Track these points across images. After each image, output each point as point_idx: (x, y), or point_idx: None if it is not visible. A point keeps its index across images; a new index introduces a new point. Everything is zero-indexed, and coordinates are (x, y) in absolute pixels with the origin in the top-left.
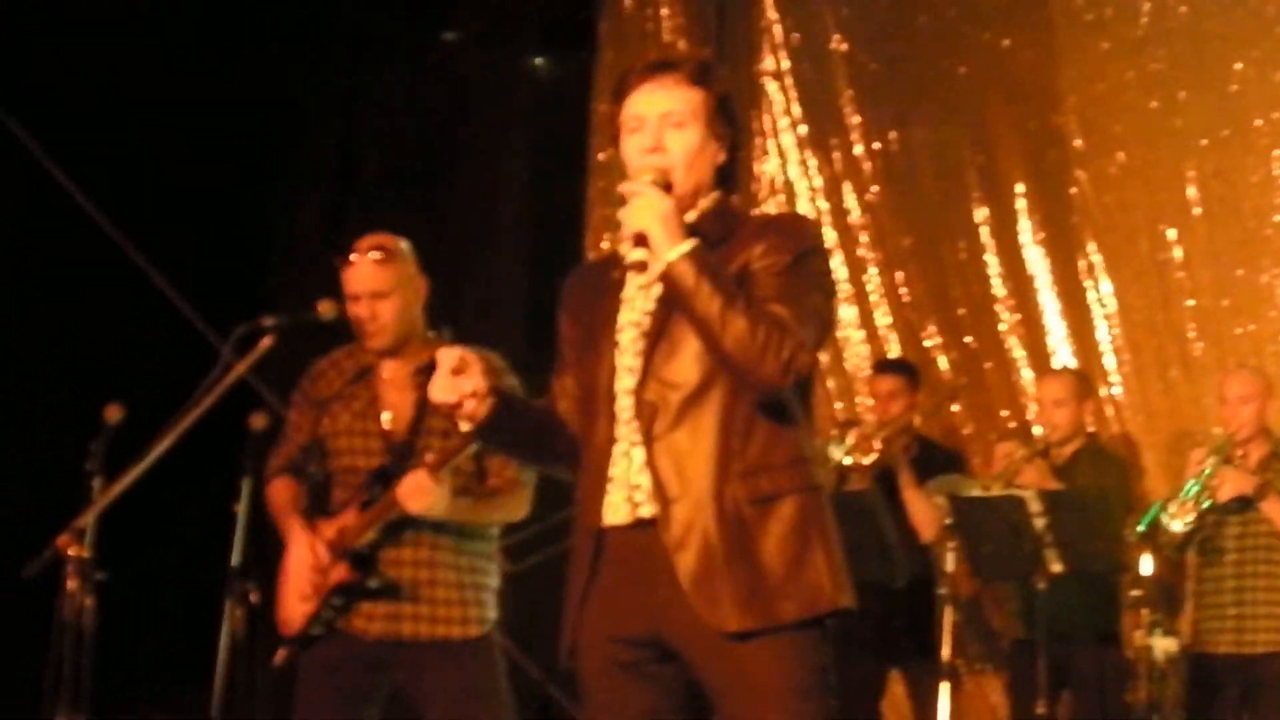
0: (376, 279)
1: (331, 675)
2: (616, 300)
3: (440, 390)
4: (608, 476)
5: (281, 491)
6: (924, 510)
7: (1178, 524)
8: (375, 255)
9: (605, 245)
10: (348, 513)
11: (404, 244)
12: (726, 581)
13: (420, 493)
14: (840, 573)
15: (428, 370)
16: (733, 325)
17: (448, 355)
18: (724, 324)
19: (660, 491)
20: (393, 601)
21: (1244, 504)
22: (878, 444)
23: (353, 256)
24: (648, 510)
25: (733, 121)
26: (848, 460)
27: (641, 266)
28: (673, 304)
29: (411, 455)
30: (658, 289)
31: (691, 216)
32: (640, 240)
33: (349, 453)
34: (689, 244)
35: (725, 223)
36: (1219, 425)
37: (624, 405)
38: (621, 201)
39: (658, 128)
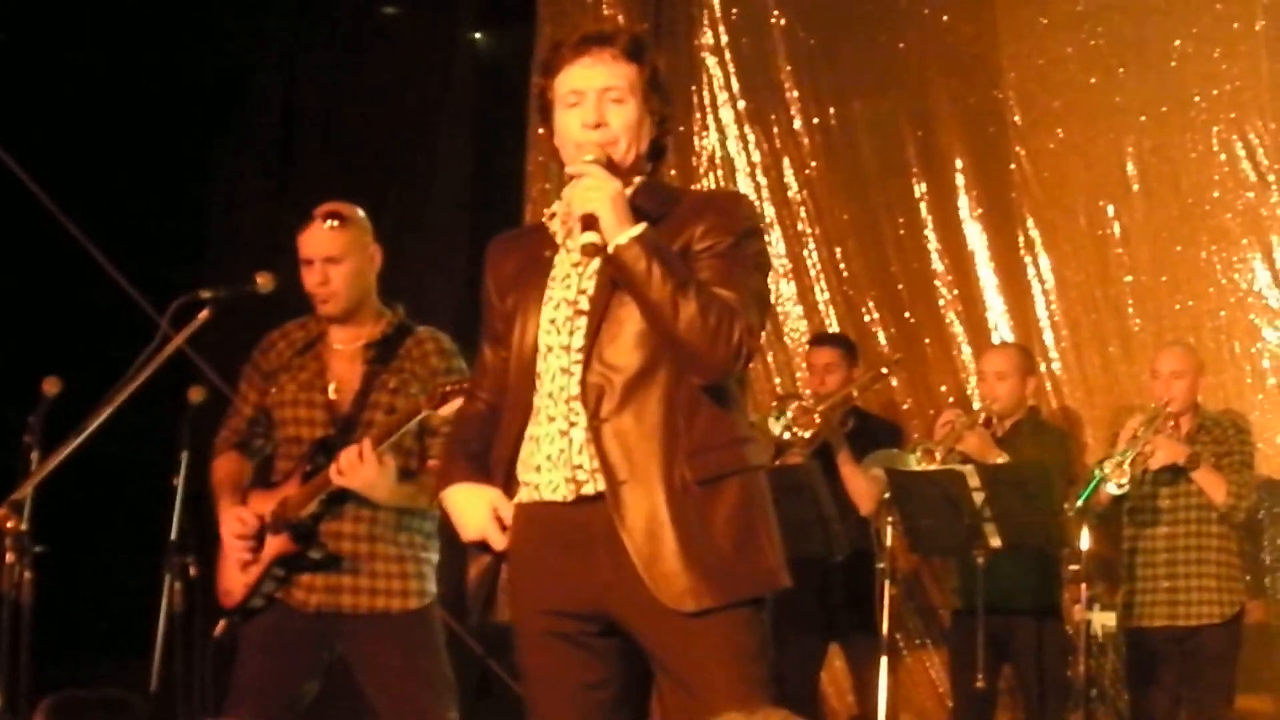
0: (330, 243)
1: (271, 647)
2: (545, 277)
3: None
4: (545, 455)
5: (223, 466)
6: (861, 484)
7: (1112, 485)
8: (331, 221)
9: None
10: (289, 483)
11: (360, 212)
12: (680, 563)
13: (355, 469)
14: (781, 551)
15: (378, 345)
16: (685, 310)
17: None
18: (676, 309)
19: (609, 474)
20: (332, 573)
21: (1174, 475)
22: (817, 417)
23: (309, 221)
24: (591, 488)
25: (664, 96)
26: (787, 434)
27: (594, 250)
28: (616, 285)
29: (355, 428)
30: (593, 267)
31: (627, 193)
32: (589, 223)
33: (294, 423)
34: (639, 228)
35: (660, 199)
36: (1151, 399)
37: (560, 385)
38: (565, 181)
39: (597, 102)
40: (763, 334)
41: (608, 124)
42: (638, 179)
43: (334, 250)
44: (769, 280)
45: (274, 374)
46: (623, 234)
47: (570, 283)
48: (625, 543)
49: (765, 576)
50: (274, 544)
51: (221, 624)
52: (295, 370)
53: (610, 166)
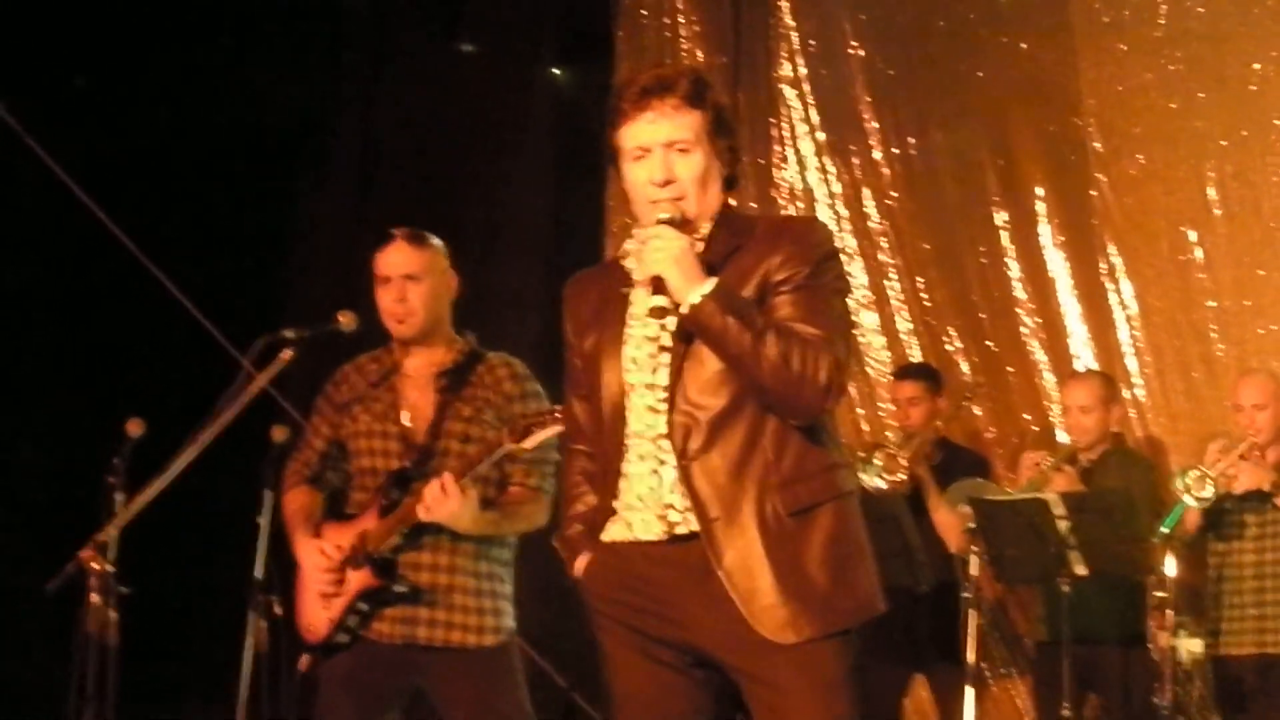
0: (410, 261)
1: (352, 682)
2: (624, 315)
3: None
4: (636, 494)
5: (295, 500)
6: (949, 521)
7: (1189, 498)
8: (411, 239)
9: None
10: (367, 516)
11: (436, 239)
12: (778, 596)
13: (440, 503)
14: (876, 577)
15: (450, 373)
16: (767, 358)
17: None
18: (758, 358)
19: (701, 512)
20: (410, 605)
21: (1261, 501)
22: (904, 460)
23: (389, 240)
24: (684, 528)
25: (730, 131)
26: (880, 483)
27: (663, 313)
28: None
29: (431, 457)
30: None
31: (705, 230)
32: (658, 285)
33: (369, 454)
34: (710, 284)
35: (736, 230)
36: (1235, 430)
37: (648, 423)
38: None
39: (664, 158)
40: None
41: (676, 178)
42: (712, 217)
43: (414, 268)
44: (849, 304)
45: (347, 406)
46: (694, 292)
47: (650, 320)
48: (722, 580)
49: (862, 606)
50: (356, 579)
51: (305, 659)
52: (369, 401)
53: (685, 221)
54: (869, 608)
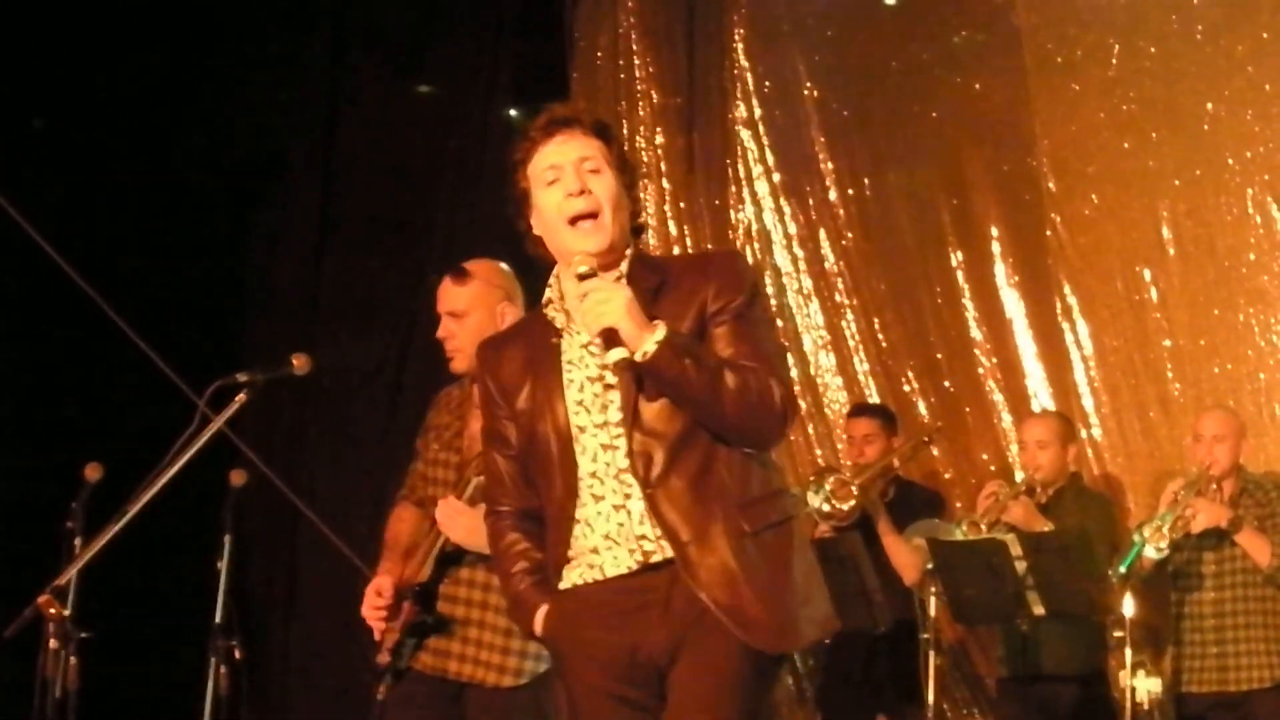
0: (452, 299)
1: (411, 710)
2: (558, 363)
3: None
4: (602, 534)
5: (395, 522)
6: (904, 554)
7: (1151, 550)
8: (455, 275)
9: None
10: (422, 546)
11: (498, 270)
12: (761, 607)
13: (448, 520)
14: (828, 594)
15: None
16: (726, 393)
17: None
18: (718, 395)
19: (673, 537)
20: (443, 637)
21: (1219, 539)
22: (855, 489)
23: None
24: (660, 556)
25: (634, 180)
26: (826, 507)
27: (628, 364)
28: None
29: None
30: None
31: (624, 268)
32: (610, 337)
33: (432, 482)
34: (660, 330)
35: (652, 269)
36: (1193, 463)
37: (605, 461)
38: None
39: (577, 172)
40: (794, 386)
41: (591, 191)
42: (629, 252)
43: (457, 305)
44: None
45: (429, 432)
46: (648, 340)
47: (587, 361)
48: (704, 600)
49: (826, 622)
50: (406, 609)
51: (381, 687)
52: (440, 430)
53: (601, 258)
54: (829, 625)
